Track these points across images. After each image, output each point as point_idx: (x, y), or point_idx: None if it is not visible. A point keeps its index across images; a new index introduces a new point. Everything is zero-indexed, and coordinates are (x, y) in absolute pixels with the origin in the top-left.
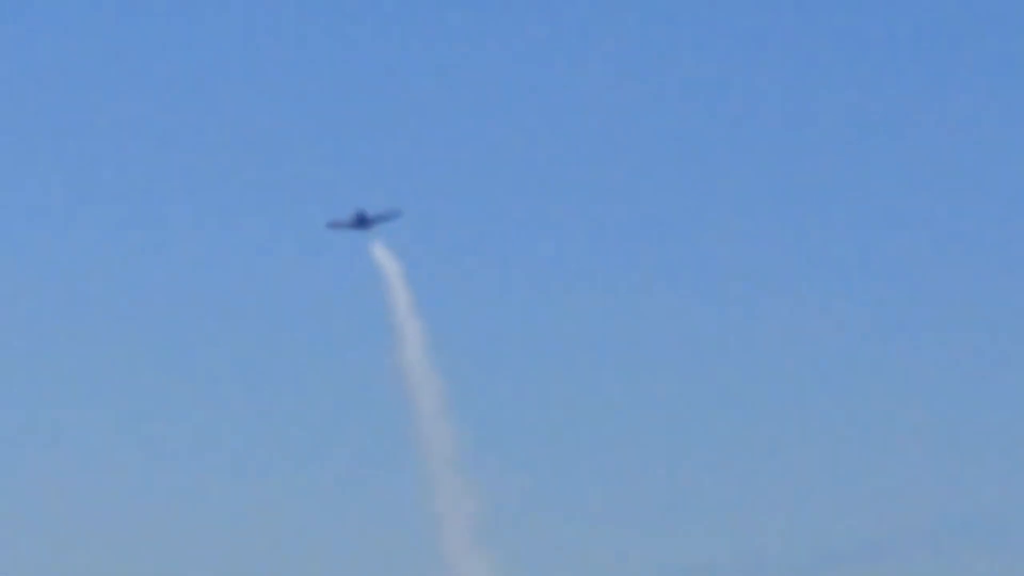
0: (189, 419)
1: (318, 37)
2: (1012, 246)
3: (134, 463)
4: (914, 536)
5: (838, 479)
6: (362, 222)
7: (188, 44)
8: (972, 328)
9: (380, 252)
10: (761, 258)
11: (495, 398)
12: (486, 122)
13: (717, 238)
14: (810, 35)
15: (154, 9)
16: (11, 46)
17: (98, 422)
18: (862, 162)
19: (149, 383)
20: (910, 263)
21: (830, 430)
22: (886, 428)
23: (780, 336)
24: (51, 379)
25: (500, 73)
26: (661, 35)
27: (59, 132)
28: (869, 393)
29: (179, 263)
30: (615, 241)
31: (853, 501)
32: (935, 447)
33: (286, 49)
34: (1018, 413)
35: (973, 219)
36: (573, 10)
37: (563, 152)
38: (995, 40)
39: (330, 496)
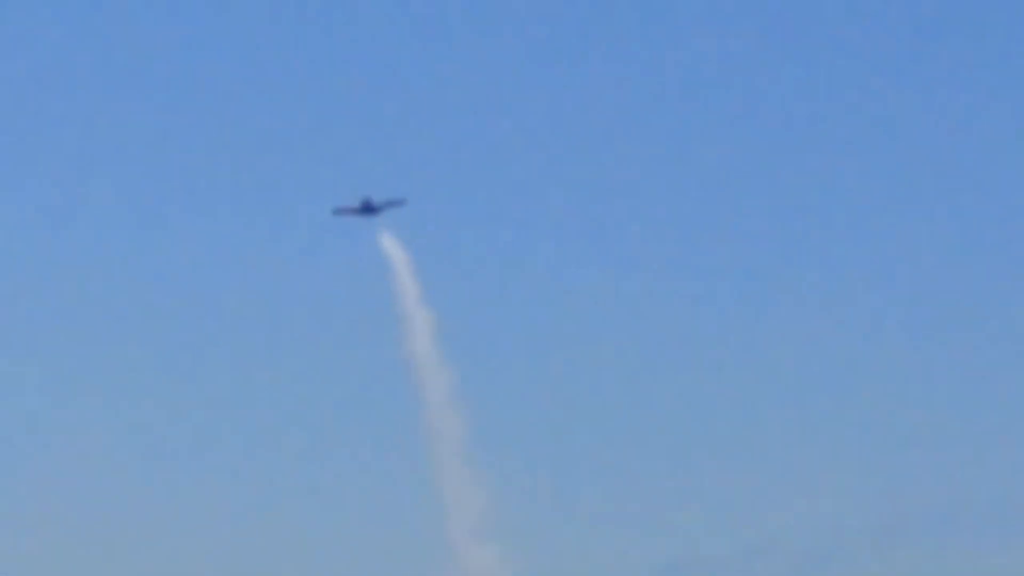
0: (194, 410)
1: (325, 24)
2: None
3: (143, 452)
4: (920, 523)
5: (846, 468)
6: (368, 209)
7: (195, 32)
8: (978, 315)
9: (388, 242)
10: (776, 243)
11: (503, 389)
12: (496, 111)
13: (728, 220)
14: (810, 36)
15: None
16: (10, 42)
17: (106, 411)
18: (861, 162)
19: (155, 374)
20: (924, 245)
21: (836, 420)
22: (891, 417)
23: (786, 326)
24: (60, 354)
25: (511, 62)
26: (670, 22)
27: (63, 118)
28: (876, 379)
29: (185, 253)
30: (625, 233)
31: (859, 490)
32: (942, 434)
33: (293, 37)
34: None
35: (972, 219)
36: None
37: (572, 142)
38: (995, 40)
39: (338, 487)
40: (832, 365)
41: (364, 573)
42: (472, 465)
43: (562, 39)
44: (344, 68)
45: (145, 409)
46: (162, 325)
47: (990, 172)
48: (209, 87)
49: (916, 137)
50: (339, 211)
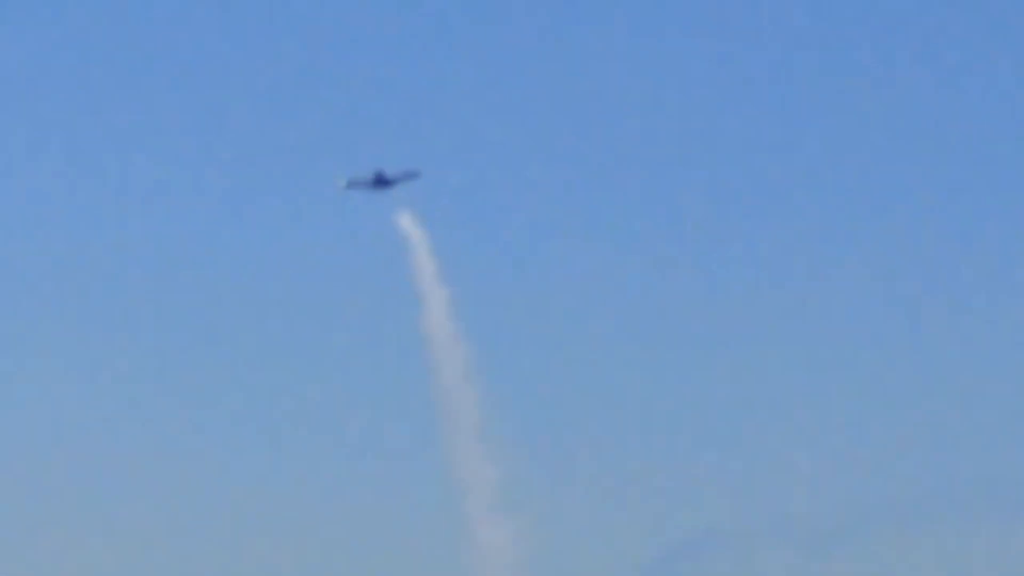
0: (210, 388)
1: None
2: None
3: (163, 430)
4: (935, 499)
5: (861, 448)
6: (382, 181)
7: (206, 7)
8: (984, 295)
9: (404, 219)
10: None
11: (518, 366)
12: (517, 82)
13: (750, 200)
14: (811, 35)
15: None
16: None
17: (128, 385)
18: (862, 162)
19: (170, 355)
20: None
21: (854, 399)
22: (902, 392)
23: (800, 307)
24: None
25: (532, 31)
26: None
27: (70, 97)
28: (888, 355)
29: (202, 230)
30: (645, 210)
31: (876, 469)
32: (956, 410)
33: (305, 10)
34: None
35: (973, 217)
36: None
37: (590, 117)
38: (995, 40)
39: (354, 462)
40: (848, 347)
41: (380, 548)
42: (487, 441)
43: (584, 8)
44: (358, 47)
45: (162, 389)
46: (177, 306)
47: (990, 172)
48: (220, 63)
49: (916, 137)
50: (352, 184)
